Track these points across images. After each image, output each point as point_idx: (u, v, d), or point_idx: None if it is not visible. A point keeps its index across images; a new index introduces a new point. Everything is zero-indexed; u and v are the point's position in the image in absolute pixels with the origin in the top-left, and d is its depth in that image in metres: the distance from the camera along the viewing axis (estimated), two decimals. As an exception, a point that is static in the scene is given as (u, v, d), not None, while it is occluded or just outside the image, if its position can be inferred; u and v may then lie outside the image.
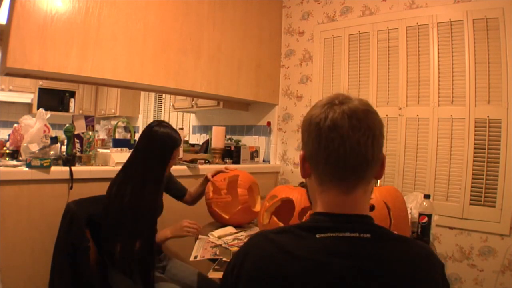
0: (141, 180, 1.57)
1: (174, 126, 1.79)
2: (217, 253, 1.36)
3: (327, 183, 0.71)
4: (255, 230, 1.71)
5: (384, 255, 0.67)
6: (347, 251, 0.65)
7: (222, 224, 1.73)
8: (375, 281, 0.64)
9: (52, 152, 1.86)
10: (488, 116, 2.10)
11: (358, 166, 0.68)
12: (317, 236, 0.67)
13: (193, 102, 3.46)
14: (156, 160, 1.61)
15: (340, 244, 0.66)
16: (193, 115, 4.06)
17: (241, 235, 1.58)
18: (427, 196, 1.68)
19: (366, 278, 0.64)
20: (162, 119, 4.65)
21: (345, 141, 0.67)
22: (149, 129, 1.66)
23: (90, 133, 2.10)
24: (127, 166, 1.64)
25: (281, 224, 1.38)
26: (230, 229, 1.64)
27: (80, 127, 2.12)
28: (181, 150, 2.56)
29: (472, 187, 2.13)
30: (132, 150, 1.71)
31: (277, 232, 0.71)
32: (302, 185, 1.56)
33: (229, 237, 1.53)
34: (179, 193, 1.93)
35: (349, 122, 0.67)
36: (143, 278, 1.51)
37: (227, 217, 1.72)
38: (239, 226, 1.72)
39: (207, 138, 3.04)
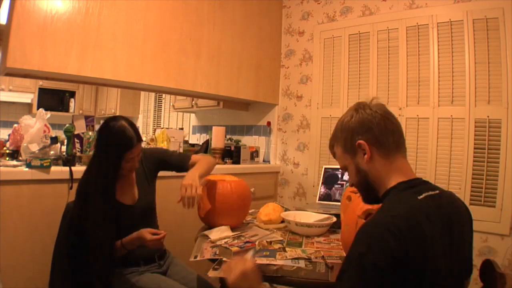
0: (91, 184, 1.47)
1: (174, 126, 1.76)
2: (217, 252, 1.36)
3: (394, 153, 0.96)
4: (255, 229, 1.70)
5: (456, 203, 1.03)
6: (442, 204, 0.91)
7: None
8: (459, 223, 1.00)
9: (52, 152, 1.86)
10: (488, 116, 2.10)
11: (402, 136, 1.00)
12: (418, 197, 0.87)
13: (193, 102, 3.46)
14: (102, 161, 1.48)
15: (436, 200, 0.90)
16: (193, 115, 4.06)
17: (239, 235, 1.57)
18: None
19: (458, 221, 0.98)
20: (161, 123, 4.64)
21: (397, 121, 1.02)
22: (102, 124, 1.54)
23: (90, 133, 2.10)
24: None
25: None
26: (226, 230, 1.61)
27: (80, 127, 2.12)
28: (164, 143, 2.53)
29: (472, 187, 2.13)
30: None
31: (394, 210, 0.85)
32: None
33: (228, 239, 1.52)
34: (179, 167, 1.77)
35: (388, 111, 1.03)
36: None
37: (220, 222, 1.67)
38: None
39: (207, 138, 3.04)
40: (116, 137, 1.48)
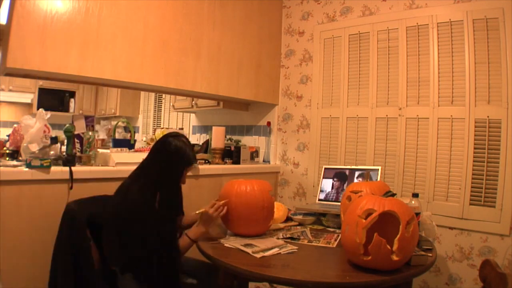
0: (160, 191, 1.53)
1: (174, 126, 1.77)
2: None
3: None
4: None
5: None
6: None
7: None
8: None
9: (52, 152, 1.86)
10: (488, 116, 2.11)
11: None
12: None
13: (193, 102, 3.46)
14: (170, 173, 1.57)
15: None
16: (193, 115, 4.06)
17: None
18: (415, 195, 1.69)
19: None
20: (161, 123, 4.66)
21: None
22: (165, 138, 1.62)
23: (90, 133, 2.10)
24: (140, 172, 1.60)
25: (384, 241, 1.22)
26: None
27: (80, 127, 2.12)
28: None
29: (472, 187, 2.13)
30: (146, 155, 1.67)
31: None
32: (390, 194, 1.48)
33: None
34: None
35: None
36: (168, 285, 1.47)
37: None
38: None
39: (207, 138, 3.04)
40: (179, 152, 1.58)
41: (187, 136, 3.83)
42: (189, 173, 1.65)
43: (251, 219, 1.58)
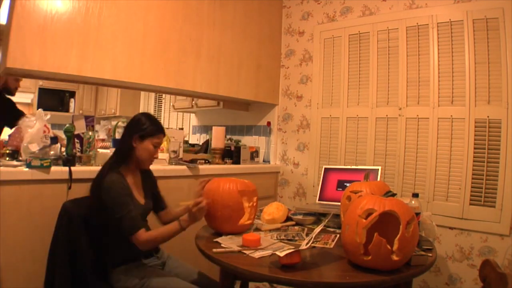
0: (116, 163, 1.62)
1: (174, 126, 1.78)
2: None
3: None
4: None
5: None
6: None
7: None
8: None
9: (52, 152, 1.86)
10: (488, 116, 2.11)
11: None
12: None
13: (193, 102, 3.46)
14: (124, 141, 1.66)
15: None
16: (193, 115, 4.06)
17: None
18: (415, 195, 1.69)
19: None
20: (161, 123, 4.65)
21: None
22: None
23: (90, 133, 2.10)
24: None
25: (384, 241, 1.21)
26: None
27: (80, 127, 2.12)
28: (180, 154, 2.55)
29: (472, 187, 2.13)
30: None
31: None
32: (390, 194, 1.47)
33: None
34: (160, 204, 1.85)
35: None
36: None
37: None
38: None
39: (207, 138, 3.04)
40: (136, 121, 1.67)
41: (187, 136, 3.84)
42: (157, 150, 1.71)
43: (216, 216, 1.61)
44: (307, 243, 1.34)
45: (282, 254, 1.24)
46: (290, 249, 1.27)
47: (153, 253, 1.73)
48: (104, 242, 1.60)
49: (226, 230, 1.63)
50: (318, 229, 1.42)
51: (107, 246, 1.60)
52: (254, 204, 1.69)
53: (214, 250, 1.39)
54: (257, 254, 1.36)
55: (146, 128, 1.64)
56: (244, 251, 1.40)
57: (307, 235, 1.65)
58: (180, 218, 1.55)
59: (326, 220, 1.43)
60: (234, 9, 2.74)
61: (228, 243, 1.50)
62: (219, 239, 1.56)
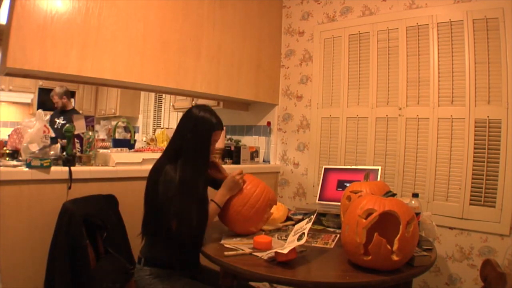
0: (187, 159, 1.53)
1: (174, 126, 1.77)
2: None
3: None
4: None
5: None
6: None
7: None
8: None
9: (52, 152, 1.86)
10: (488, 116, 2.10)
11: None
12: None
13: (193, 102, 3.46)
14: (193, 142, 1.56)
15: None
16: (193, 115, 4.05)
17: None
18: (415, 195, 1.69)
19: None
20: (161, 123, 4.65)
21: None
22: (187, 111, 1.64)
23: (90, 133, 2.10)
24: (168, 146, 1.63)
25: (384, 241, 1.22)
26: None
27: (80, 127, 2.12)
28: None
29: (472, 187, 2.13)
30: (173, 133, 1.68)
31: None
32: (390, 194, 1.47)
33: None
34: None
35: None
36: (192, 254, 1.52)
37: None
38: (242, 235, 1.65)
39: (207, 138, 3.03)
40: (203, 119, 1.59)
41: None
42: (217, 142, 1.67)
43: (239, 211, 1.59)
44: (298, 239, 1.34)
45: (279, 251, 1.24)
46: (288, 247, 1.28)
47: (191, 267, 1.63)
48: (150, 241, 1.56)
49: (236, 228, 1.64)
50: (308, 225, 1.41)
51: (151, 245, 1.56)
52: (269, 216, 1.70)
53: (226, 253, 1.38)
54: (266, 256, 1.36)
55: (213, 122, 1.61)
56: (255, 253, 1.40)
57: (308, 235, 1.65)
58: (211, 198, 1.58)
59: (314, 216, 1.42)
60: (234, 9, 2.74)
61: (237, 244, 1.50)
62: (223, 242, 1.55)
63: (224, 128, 2.79)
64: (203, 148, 1.58)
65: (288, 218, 1.97)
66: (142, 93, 5.09)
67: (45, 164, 1.73)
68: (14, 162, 1.79)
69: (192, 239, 1.48)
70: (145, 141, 3.57)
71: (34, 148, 1.81)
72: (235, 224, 1.63)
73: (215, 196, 1.61)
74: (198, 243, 1.51)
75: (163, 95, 4.66)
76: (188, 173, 1.49)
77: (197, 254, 1.53)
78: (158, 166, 1.55)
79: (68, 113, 3.75)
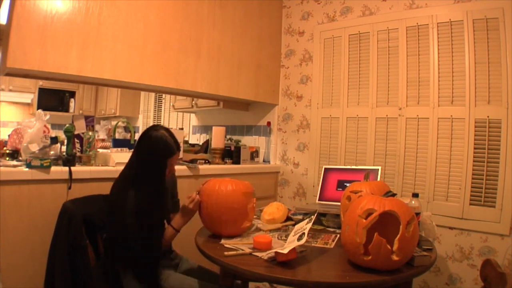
0: (141, 185, 1.55)
1: (174, 126, 1.77)
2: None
3: None
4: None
5: None
6: None
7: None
8: None
9: (52, 152, 1.86)
10: (488, 116, 2.11)
11: None
12: None
13: (193, 102, 3.46)
14: (150, 165, 1.58)
15: None
16: (193, 115, 4.06)
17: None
18: (415, 195, 1.69)
19: None
20: (161, 123, 4.66)
21: None
22: (145, 132, 1.65)
23: (90, 133, 2.10)
24: (126, 168, 1.65)
25: (384, 241, 1.21)
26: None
27: (80, 127, 2.12)
28: (180, 154, 2.54)
29: (472, 187, 2.13)
30: (132, 151, 1.70)
31: None
32: (390, 194, 1.47)
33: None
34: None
35: None
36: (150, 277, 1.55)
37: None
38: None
39: (207, 138, 3.04)
40: (161, 143, 1.60)
41: (187, 136, 3.84)
42: (176, 164, 1.72)
43: (221, 219, 1.58)
44: (298, 239, 1.34)
45: (279, 251, 1.24)
46: (288, 247, 1.28)
47: (167, 254, 1.73)
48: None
49: (228, 233, 1.61)
50: (308, 225, 1.41)
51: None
52: (254, 205, 1.69)
53: (226, 253, 1.38)
54: (266, 256, 1.36)
55: (171, 147, 1.63)
56: (255, 253, 1.40)
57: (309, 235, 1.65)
58: (171, 224, 1.63)
59: (314, 216, 1.42)
60: (234, 9, 2.74)
61: (237, 244, 1.50)
62: (223, 242, 1.55)
63: (224, 127, 2.82)
64: (158, 175, 1.60)
65: (288, 218, 1.97)
66: (142, 93, 5.09)
67: (45, 164, 1.73)
68: (14, 162, 1.79)
69: (146, 261, 1.56)
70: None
71: (34, 148, 1.81)
72: (225, 229, 1.62)
73: (173, 221, 1.66)
74: (154, 261, 1.59)
75: (163, 95, 4.66)
76: (142, 199, 1.53)
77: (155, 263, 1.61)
78: (117, 191, 1.60)
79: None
